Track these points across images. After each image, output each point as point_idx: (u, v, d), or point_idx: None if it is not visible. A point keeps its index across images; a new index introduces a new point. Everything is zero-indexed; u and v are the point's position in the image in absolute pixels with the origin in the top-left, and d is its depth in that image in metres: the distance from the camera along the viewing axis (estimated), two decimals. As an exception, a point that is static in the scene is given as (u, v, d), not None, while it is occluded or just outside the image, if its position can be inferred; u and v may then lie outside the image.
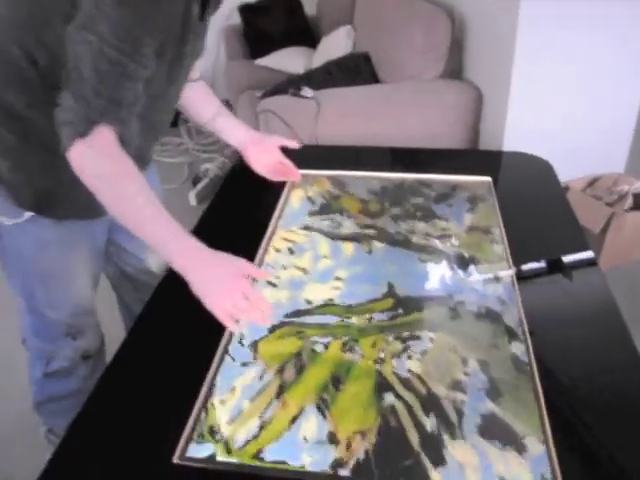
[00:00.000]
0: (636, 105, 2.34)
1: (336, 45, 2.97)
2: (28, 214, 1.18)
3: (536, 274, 1.21)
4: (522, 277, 1.19)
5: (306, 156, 1.65)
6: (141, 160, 1.15)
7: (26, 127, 1.10)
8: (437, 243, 1.28)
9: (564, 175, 2.28)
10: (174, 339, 1.04)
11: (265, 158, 1.43)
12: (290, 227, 1.32)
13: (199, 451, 0.81)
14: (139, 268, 1.48)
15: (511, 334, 1.01)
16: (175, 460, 0.81)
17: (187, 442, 0.83)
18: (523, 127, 2.24)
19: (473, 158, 2.03)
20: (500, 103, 2.26)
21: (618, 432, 0.85)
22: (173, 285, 1.05)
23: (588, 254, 1.25)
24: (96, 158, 0.97)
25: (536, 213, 1.48)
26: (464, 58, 2.54)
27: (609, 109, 2.31)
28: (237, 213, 1.44)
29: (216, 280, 0.99)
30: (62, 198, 1.18)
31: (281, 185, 1.50)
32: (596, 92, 2.26)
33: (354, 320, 1.04)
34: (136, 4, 0.90)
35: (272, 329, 1.02)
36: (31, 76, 1.04)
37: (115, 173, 0.99)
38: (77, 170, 0.98)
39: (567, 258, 1.23)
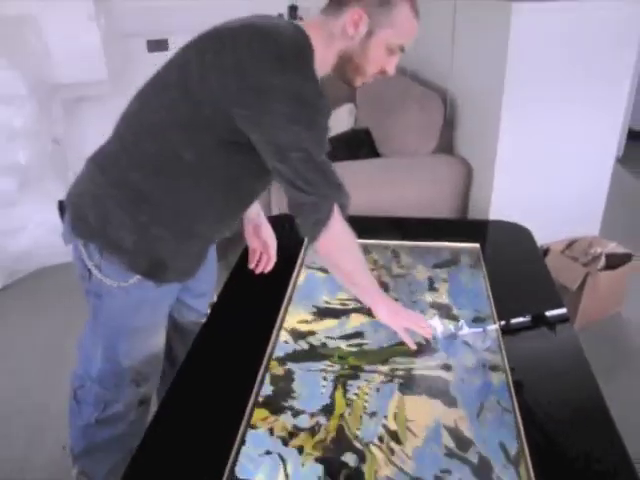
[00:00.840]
0: (607, 177, 2.55)
1: (339, 121, 3.14)
2: (135, 278, 1.31)
3: (518, 329, 1.41)
4: (506, 331, 1.38)
5: None
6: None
7: (155, 209, 1.26)
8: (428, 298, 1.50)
9: (545, 238, 2.53)
10: (214, 381, 1.26)
11: (257, 241, 1.62)
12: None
13: None
14: (194, 321, 1.61)
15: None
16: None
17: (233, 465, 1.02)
18: (508, 197, 2.43)
19: (464, 226, 2.24)
20: (487, 176, 2.44)
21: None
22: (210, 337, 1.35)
23: (562, 311, 1.45)
24: (339, 235, 1.24)
25: (517, 274, 1.67)
26: (455, 135, 2.71)
27: (584, 180, 2.51)
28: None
29: (399, 311, 1.36)
30: (171, 265, 1.34)
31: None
32: (572, 165, 2.46)
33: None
34: (316, 124, 1.15)
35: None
36: (174, 168, 1.22)
37: (352, 241, 1.28)
38: (324, 252, 1.26)
39: (547, 315, 1.43)
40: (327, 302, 1.52)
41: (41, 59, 2.86)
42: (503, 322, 1.41)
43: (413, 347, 1.32)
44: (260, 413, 1.16)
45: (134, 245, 1.28)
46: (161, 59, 3.86)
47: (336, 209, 1.21)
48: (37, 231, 2.91)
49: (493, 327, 1.39)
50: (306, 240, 1.24)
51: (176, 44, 3.81)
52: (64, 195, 2.99)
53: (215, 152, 1.20)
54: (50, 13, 2.90)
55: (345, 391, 1.21)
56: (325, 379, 1.24)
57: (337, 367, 1.28)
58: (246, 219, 1.62)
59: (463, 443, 1.08)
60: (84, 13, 2.96)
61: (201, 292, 1.60)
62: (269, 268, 1.62)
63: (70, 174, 3.24)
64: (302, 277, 1.63)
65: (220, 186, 1.28)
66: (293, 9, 3.90)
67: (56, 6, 2.92)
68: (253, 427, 1.12)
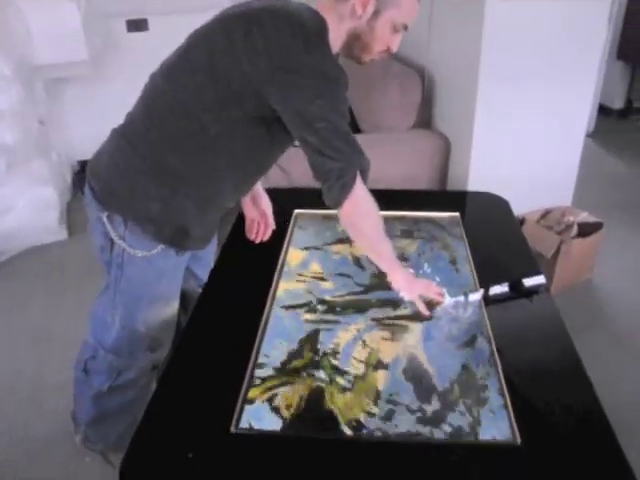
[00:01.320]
0: (578, 150, 2.65)
1: None
2: (159, 248, 1.40)
3: (500, 297, 1.48)
4: (489, 299, 1.46)
5: (301, 199, 1.95)
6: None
7: (180, 179, 1.34)
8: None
9: (521, 209, 2.64)
10: (216, 340, 1.35)
11: (255, 211, 1.70)
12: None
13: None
14: (195, 288, 1.68)
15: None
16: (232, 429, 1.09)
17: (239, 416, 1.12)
18: (485, 169, 2.51)
19: (443, 197, 2.34)
20: (465, 149, 2.53)
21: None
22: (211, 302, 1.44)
23: (541, 279, 1.52)
24: (361, 200, 1.29)
25: (496, 243, 1.77)
26: (433, 111, 2.79)
27: (556, 153, 2.61)
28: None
29: (413, 280, 1.43)
30: (192, 233, 1.43)
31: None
32: (545, 139, 2.56)
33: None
34: (340, 97, 1.22)
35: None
36: (199, 142, 1.29)
37: (373, 207, 1.33)
38: (347, 216, 1.31)
39: (526, 282, 1.50)
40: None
41: (23, 41, 2.87)
42: (484, 290, 1.47)
43: (426, 313, 1.40)
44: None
45: (159, 215, 1.36)
46: (140, 39, 3.89)
47: (360, 179, 1.28)
48: (24, 211, 2.95)
49: (477, 295, 1.46)
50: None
51: (156, 24, 3.84)
52: (49, 174, 3.03)
53: (239, 126, 1.28)
54: (30, -6, 2.91)
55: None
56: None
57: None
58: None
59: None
60: (64, -6, 2.97)
61: (206, 259, 1.68)
62: (267, 236, 1.70)
63: (53, 154, 3.27)
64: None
65: (240, 158, 1.35)
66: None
67: (36, -13, 2.93)
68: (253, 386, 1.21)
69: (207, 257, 1.69)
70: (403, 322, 1.39)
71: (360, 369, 1.24)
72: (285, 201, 1.89)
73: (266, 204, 1.71)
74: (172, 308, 1.59)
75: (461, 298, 1.44)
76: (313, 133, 1.21)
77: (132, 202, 1.35)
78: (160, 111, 1.30)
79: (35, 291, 2.76)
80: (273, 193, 1.78)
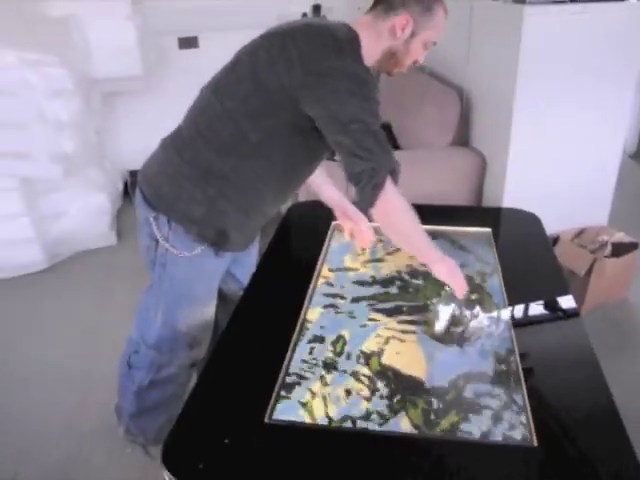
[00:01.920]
0: (615, 170, 2.69)
1: None
2: (200, 248, 1.49)
3: (531, 317, 1.52)
4: (519, 317, 1.49)
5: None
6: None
7: (223, 184, 1.44)
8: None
9: (556, 227, 2.68)
10: (254, 339, 1.44)
11: (349, 222, 1.74)
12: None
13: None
14: (236, 291, 1.75)
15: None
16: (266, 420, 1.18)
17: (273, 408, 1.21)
18: (520, 187, 2.56)
19: (477, 213, 2.39)
20: (500, 167, 2.59)
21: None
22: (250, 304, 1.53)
23: (570, 300, 1.54)
24: (394, 199, 1.33)
25: (526, 260, 1.80)
26: (471, 129, 2.84)
27: (592, 173, 2.65)
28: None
29: (455, 271, 1.43)
30: (232, 237, 1.52)
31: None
32: (581, 158, 2.60)
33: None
34: (371, 97, 1.30)
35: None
36: (242, 149, 1.39)
37: (405, 204, 1.36)
38: (381, 215, 1.35)
39: (556, 302, 1.55)
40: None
41: (84, 56, 3.07)
42: (513, 308, 1.51)
43: (462, 294, 1.44)
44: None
45: (202, 217, 1.47)
46: (191, 56, 4.08)
47: (390, 180, 1.32)
48: (78, 216, 3.13)
49: (507, 313, 1.50)
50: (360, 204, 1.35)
51: (206, 42, 4.03)
52: (103, 182, 3.21)
53: (278, 134, 1.38)
54: (92, 13, 3.12)
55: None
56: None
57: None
58: (334, 206, 1.77)
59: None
60: (122, 13, 3.17)
61: (248, 265, 1.77)
62: (369, 242, 1.72)
63: (107, 163, 3.46)
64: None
65: (279, 166, 1.45)
66: (316, 8, 4.06)
67: (97, 7, 3.13)
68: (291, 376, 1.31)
69: (249, 262, 1.78)
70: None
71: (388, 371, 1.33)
72: (324, 213, 1.97)
73: (355, 214, 1.73)
74: (210, 308, 1.68)
75: (493, 314, 1.48)
76: (346, 134, 1.27)
77: (177, 204, 1.46)
78: (207, 120, 1.42)
79: (85, 291, 2.93)
80: (312, 205, 1.87)
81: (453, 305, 1.47)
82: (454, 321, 1.46)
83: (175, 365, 1.68)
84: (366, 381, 1.30)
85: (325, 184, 1.77)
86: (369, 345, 1.41)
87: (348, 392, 1.27)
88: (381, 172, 1.29)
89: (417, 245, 1.44)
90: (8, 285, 2.97)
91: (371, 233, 1.70)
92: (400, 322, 1.49)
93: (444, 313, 1.47)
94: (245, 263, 1.76)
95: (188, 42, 3.96)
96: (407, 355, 1.38)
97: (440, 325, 1.46)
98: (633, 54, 2.47)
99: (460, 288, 1.42)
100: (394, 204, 1.34)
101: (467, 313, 1.48)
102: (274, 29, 1.39)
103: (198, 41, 3.97)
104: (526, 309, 1.55)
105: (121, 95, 3.81)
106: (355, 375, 1.32)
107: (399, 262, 1.76)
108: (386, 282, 1.66)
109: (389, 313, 1.53)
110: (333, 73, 1.27)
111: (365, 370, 1.33)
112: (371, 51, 1.38)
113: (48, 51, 2.70)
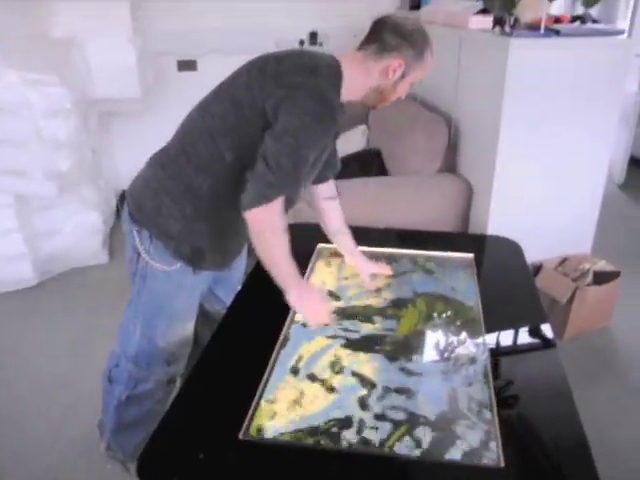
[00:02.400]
0: (599, 199, 2.74)
1: (353, 141, 3.37)
2: (178, 264, 1.54)
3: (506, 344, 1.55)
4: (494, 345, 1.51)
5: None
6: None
7: (200, 203, 1.47)
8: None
9: (540, 255, 2.73)
10: (234, 357, 1.47)
11: (366, 266, 1.78)
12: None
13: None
14: (219, 310, 1.80)
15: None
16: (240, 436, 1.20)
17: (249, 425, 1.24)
18: (505, 215, 2.62)
19: (460, 239, 2.43)
20: (486, 195, 2.64)
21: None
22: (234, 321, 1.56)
23: (548, 331, 1.57)
24: (273, 216, 1.34)
25: (505, 286, 1.85)
26: (458, 156, 2.91)
27: (577, 202, 2.71)
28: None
29: (307, 301, 1.44)
30: (208, 255, 1.56)
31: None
32: (565, 188, 2.66)
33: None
34: (323, 126, 1.32)
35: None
36: (218, 168, 1.43)
37: (282, 229, 1.37)
38: (254, 224, 1.35)
39: (534, 330, 1.59)
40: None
41: (84, 76, 3.14)
42: (490, 336, 1.53)
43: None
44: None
45: (178, 234, 1.51)
46: (190, 78, 4.16)
47: (282, 201, 1.35)
48: (71, 234, 3.17)
49: (482, 339, 1.51)
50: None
51: (204, 65, 4.11)
52: (97, 201, 3.26)
53: (251, 155, 1.37)
54: (93, 35, 3.19)
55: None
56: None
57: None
58: (348, 253, 1.82)
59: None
60: (123, 35, 3.24)
61: (231, 285, 1.81)
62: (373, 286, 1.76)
63: (102, 182, 3.51)
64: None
65: None
66: (313, 35, 4.16)
67: (98, 28, 3.20)
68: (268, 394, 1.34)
69: (232, 282, 1.82)
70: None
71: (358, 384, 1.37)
72: (310, 235, 2.02)
73: (369, 268, 1.79)
74: (189, 325, 1.71)
75: (479, 340, 1.50)
76: (276, 142, 1.30)
77: (157, 219, 1.51)
78: (191, 137, 1.47)
79: (75, 308, 2.96)
80: (299, 228, 1.91)
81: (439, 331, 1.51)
82: (440, 348, 1.49)
83: (152, 380, 1.70)
84: (341, 391, 1.34)
85: (340, 234, 1.81)
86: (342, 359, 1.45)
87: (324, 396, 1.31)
88: (275, 190, 1.31)
89: (279, 269, 1.41)
90: (-2, 300, 3.00)
91: (371, 283, 1.75)
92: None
93: (430, 339, 1.50)
94: (229, 283, 1.80)
95: (187, 65, 4.05)
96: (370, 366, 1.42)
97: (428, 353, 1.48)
98: (617, 87, 2.55)
99: (311, 319, 1.45)
100: (270, 222, 1.35)
101: (454, 339, 1.51)
102: (263, 54, 1.45)
103: (197, 64, 4.06)
104: (503, 336, 1.57)
105: (118, 115, 3.88)
106: (326, 384, 1.36)
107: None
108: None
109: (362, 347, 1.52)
110: (302, 88, 1.31)
111: (338, 380, 1.37)
112: (358, 85, 1.44)
113: (49, 71, 2.76)
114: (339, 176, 1.81)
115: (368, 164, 3.06)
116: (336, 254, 1.92)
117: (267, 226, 1.36)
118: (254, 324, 1.61)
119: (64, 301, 3.02)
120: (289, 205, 1.39)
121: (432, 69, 1.51)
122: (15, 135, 2.75)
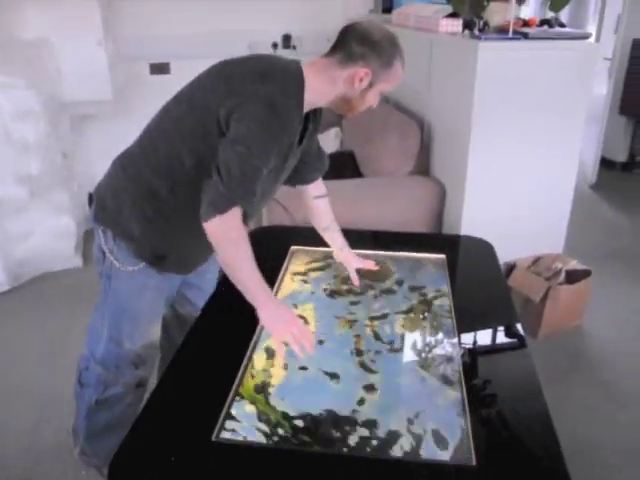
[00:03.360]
0: (569, 200, 2.78)
1: (326, 143, 3.28)
2: (141, 265, 1.53)
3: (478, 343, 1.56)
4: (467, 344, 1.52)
5: (302, 236, 2.05)
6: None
7: (162, 206, 1.46)
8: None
9: (513, 255, 2.76)
10: (207, 359, 1.46)
11: (356, 261, 1.79)
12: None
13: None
14: (192, 313, 1.78)
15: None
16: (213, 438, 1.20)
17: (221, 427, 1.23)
18: (478, 215, 2.64)
19: (433, 240, 2.45)
20: (458, 196, 2.66)
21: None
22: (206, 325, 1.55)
23: (519, 330, 1.58)
24: (229, 228, 1.30)
25: (477, 286, 1.86)
26: (431, 158, 2.93)
27: (548, 202, 2.74)
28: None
29: (280, 319, 1.37)
30: (171, 258, 1.55)
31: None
32: (536, 188, 2.69)
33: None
34: (273, 133, 1.29)
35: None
36: (177, 172, 1.41)
37: (242, 240, 1.32)
38: (212, 237, 1.31)
39: (507, 330, 1.60)
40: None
41: (54, 79, 3.11)
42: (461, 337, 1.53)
43: (281, 359, 1.42)
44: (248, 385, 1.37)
45: (140, 235, 1.50)
46: (162, 81, 4.15)
47: (238, 211, 1.30)
48: (43, 238, 3.13)
49: (455, 339, 1.52)
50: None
51: (177, 68, 4.10)
52: (69, 204, 3.23)
53: (209, 160, 1.34)
54: (64, 38, 3.17)
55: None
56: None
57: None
58: (338, 249, 1.82)
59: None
60: (94, 38, 3.22)
61: (202, 289, 1.79)
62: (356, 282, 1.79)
63: (75, 185, 3.47)
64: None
65: None
66: (287, 38, 4.17)
67: (69, 31, 3.18)
68: (240, 396, 1.33)
69: (205, 286, 1.80)
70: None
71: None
72: (284, 237, 2.02)
73: (356, 262, 1.80)
74: (155, 327, 1.69)
75: (455, 340, 1.51)
76: (227, 150, 1.29)
77: (119, 219, 1.50)
78: (149, 139, 1.47)
79: (49, 312, 2.91)
80: (273, 230, 1.91)
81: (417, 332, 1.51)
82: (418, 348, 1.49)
83: (121, 384, 1.69)
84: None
85: (330, 230, 1.82)
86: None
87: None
88: (225, 200, 1.28)
89: (244, 284, 1.36)
90: (-31, 306, 2.94)
91: (355, 277, 1.78)
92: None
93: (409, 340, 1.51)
94: (201, 287, 1.79)
95: (160, 68, 4.03)
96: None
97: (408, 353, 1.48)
98: (585, 89, 2.59)
99: (279, 337, 1.37)
100: (227, 235, 1.31)
101: (431, 339, 1.52)
102: (227, 58, 1.44)
103: (170, 67, 4.04)
104: (475, 336, 1.58)
105: (91, 118, 3.84)
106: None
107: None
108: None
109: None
110: (251, 96, 1.30)
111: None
112: (324, 92, 1.42)
113: (18, 74, 2.73)
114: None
115: (342, 166, 3.06)
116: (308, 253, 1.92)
117: (223, 238, 1.32)
118: (227, 326, 1.60)
119: (37, 306, 2.98)
120: (247, 217, 1.34)
121: (405, 72, 1.47)
122: (-17, 138, 2.71)
